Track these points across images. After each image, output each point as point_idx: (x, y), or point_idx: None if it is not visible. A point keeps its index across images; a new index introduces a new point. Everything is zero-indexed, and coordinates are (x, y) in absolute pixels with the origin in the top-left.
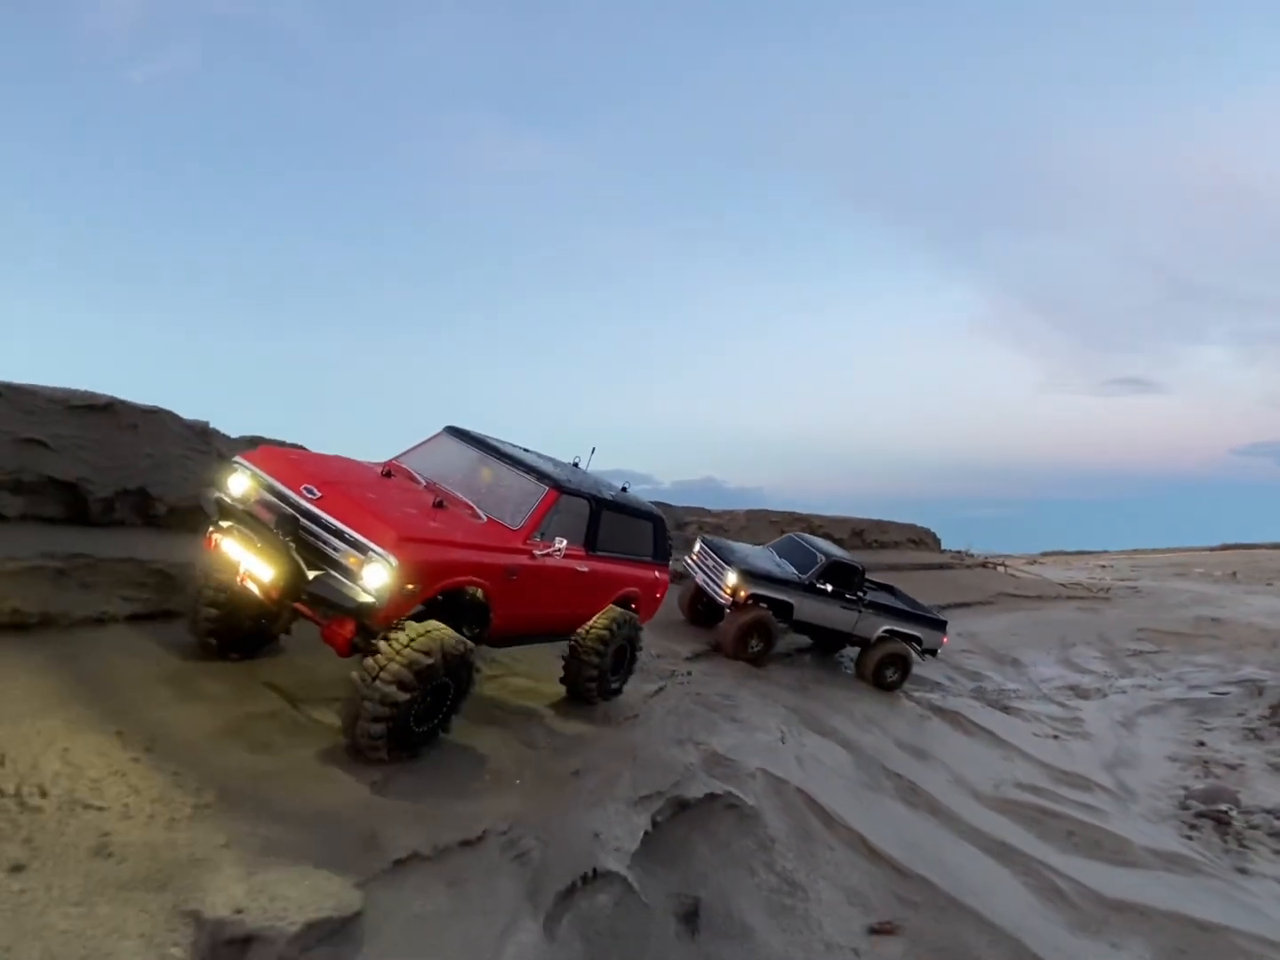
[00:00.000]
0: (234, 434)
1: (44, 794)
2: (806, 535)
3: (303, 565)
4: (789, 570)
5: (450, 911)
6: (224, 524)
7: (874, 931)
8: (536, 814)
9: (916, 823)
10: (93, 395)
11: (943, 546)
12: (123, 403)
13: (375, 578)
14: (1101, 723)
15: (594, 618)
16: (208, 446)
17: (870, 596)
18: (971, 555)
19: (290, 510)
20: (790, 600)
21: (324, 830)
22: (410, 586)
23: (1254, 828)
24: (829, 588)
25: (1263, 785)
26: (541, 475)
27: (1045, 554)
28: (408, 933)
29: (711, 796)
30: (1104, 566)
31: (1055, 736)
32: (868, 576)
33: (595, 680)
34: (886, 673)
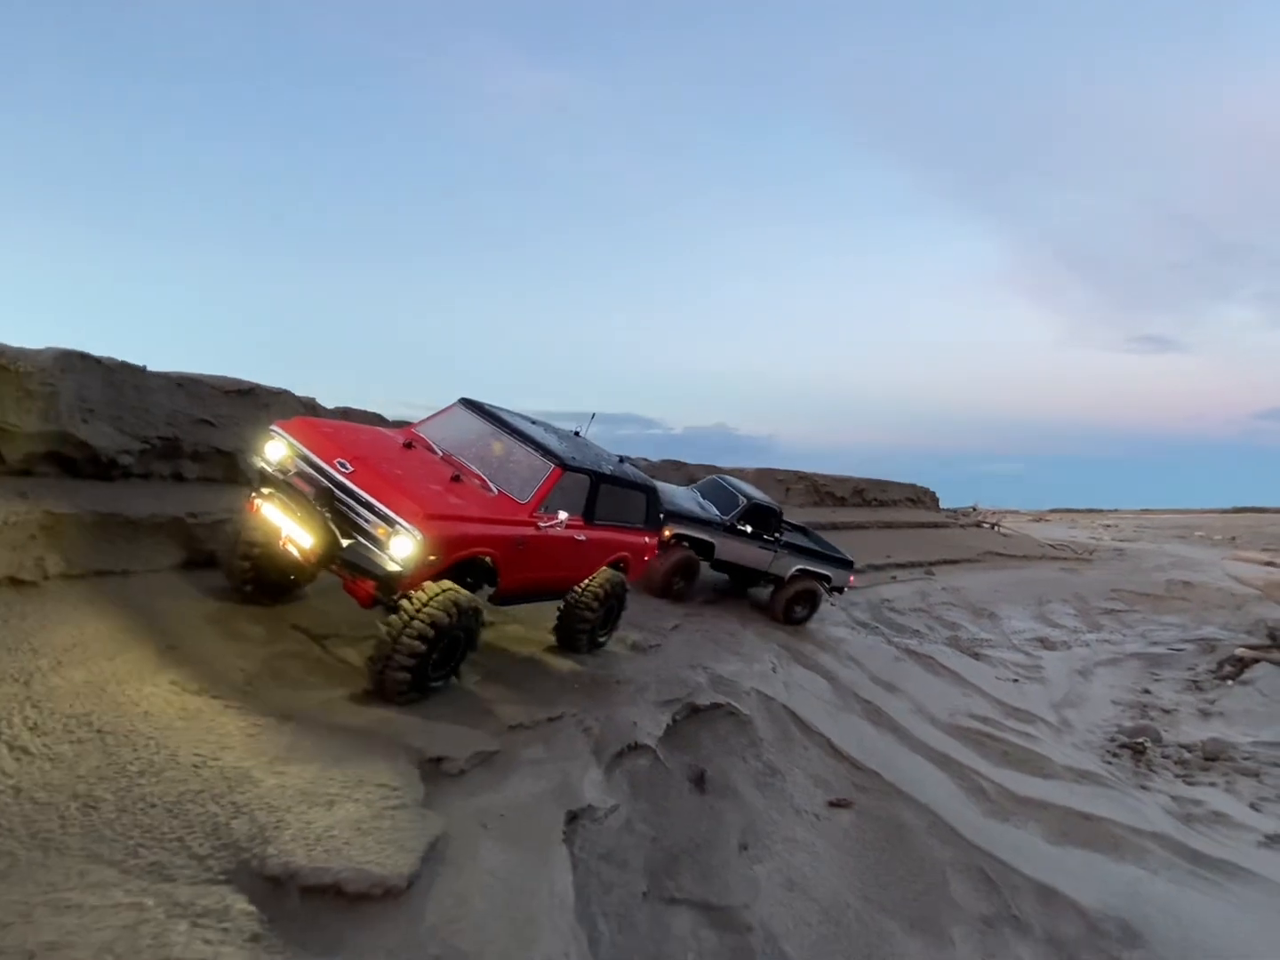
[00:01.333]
0: (330, 405)
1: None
2: (728, 477)
3: (338, 534)
4: (712, 511)
5: (548, 758)
6: (265, 490)
7: (832, 804)
8: (593, 706)
9: (876, 736)
10: (239, 381)
11: (945, 504)
12: (260, 386)
13: (402, 549)
14: (1060, 670)
15: (588, 579)
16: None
17: (785, 537)
18: (975, 511)
19: (326, 483)
20: (712, 540)
21: (464, 710)
22: (432, 557)
23: (1165, 757)
24: (748, 529)
25: (1188, 726)
26: (548, 452)
27: (1054, 510)
28: (525, 767)
29: (715, 705)
30: (1108, 525)
31: (1015, 680)
32: (785, 518)
33: (586, 634)
34: (796, 609)
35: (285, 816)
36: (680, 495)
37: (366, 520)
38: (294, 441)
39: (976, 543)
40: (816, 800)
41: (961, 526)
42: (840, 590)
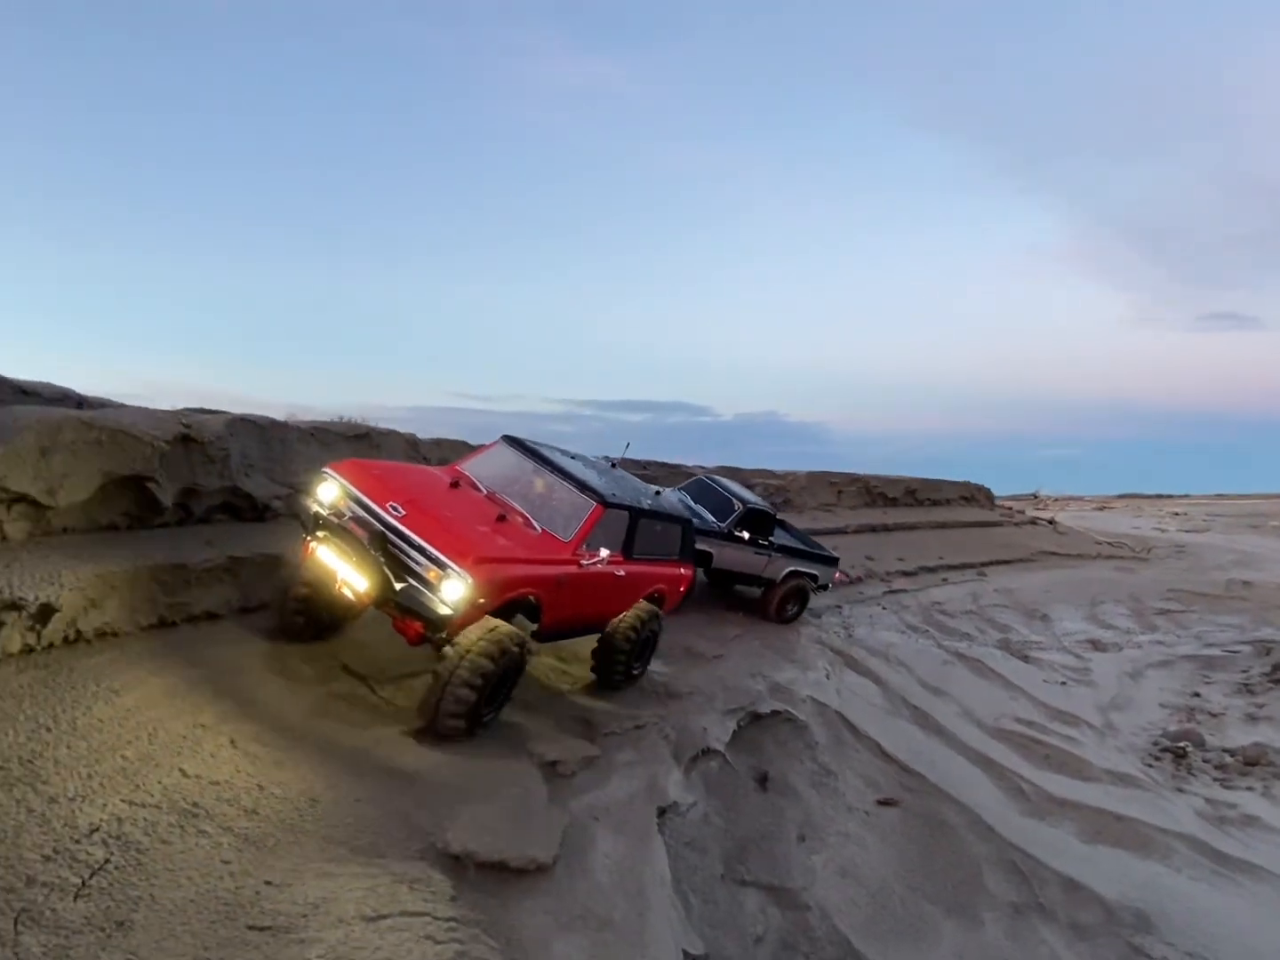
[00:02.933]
0: (425, 436)
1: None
2: (717, 478)
3: (392, 578)
4: (707, 518)
5: (638, 760)
6: (320, 533)
7: (880, 803)
8: (670, 715)
9: (923, 739)
10: (356, 426)
11: (1006, 490)
12: (373, 429)
13: (453, 592)
14: (1109, 673)
15: (625, 613)
16: (415, 453)
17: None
18: (1037, 499)
19: (379, 527)
20: (710, 550)
21: (565, 719)
22: (482, 600)
23: (1206, 761)
24: (746, 535)
25: (1233, 731)
26: (589, 489)
27: (1121, 496)
28: (620, 769)
29: (775, 712)
30: (1177, 514)
31: (1063, 683)
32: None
33: (621, 669)
34: (788, 608)
35: (455, 809)
36: (666, 501)
37: (418, 563)
38: (346, 484)
39: (1031, 542)
40: (866, 799)
41: (1016, 525)
42: (825, 587)
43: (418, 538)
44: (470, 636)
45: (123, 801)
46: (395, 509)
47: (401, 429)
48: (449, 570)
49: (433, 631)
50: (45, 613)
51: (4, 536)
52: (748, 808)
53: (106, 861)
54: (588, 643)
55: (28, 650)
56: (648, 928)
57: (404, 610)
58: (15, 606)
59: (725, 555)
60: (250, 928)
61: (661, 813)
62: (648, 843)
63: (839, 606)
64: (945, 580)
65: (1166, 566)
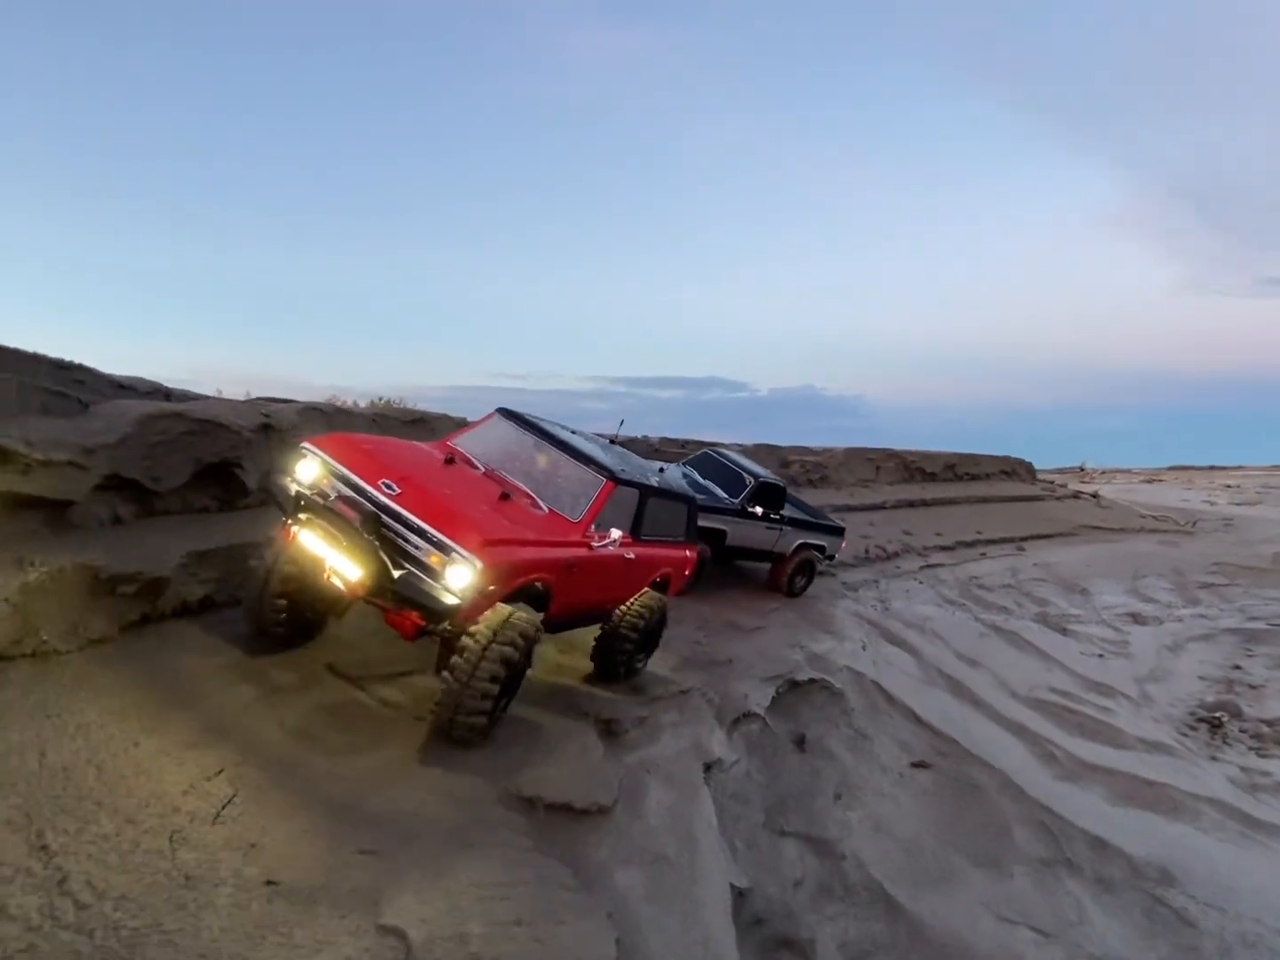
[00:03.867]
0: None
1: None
2: (724, 451)
3: (390, 565)
4: (719, 494)
5: (683, 721)
6: (303, 516)
7: (913, 765)
8: (712, 682)
9: (956, 707)
10: (411, 411)
11: (1051, 464)
12: (428, 414)
13: (459, 579)
14: (1148, 645)
15: (631, 600)
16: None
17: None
18: (1083, 472)
19: (372, 508)
20: (724, 528)
21: (614, 684)
22: (492, 587)
23: (1242, 731)
24: (759, 510)
25: (1273, 702)
26: (598, 465)
27: (1171, 469)
28: (669, 727)
29: (812, 680)
30: (1229, 486)
31: (1100, 655)
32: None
33: (624, 662)
34: (797, 580)
35: (526, 755)
36: (672, 477)
37: (417, 547)
38: (330, 460)
39: (1072, 516)
40: (900, 761)
41: (1057, 499)
42: (832, 558)
43: (417, 519)
44: (488, 627)
45: None
46: (389, 487)
47: (443, 410)
48: (454, 554)
49: (435, 623)
50: (158, 585)
51: (118, 519)
52: (787, 767)
53: None
54: (586, 631)
55: (144, 620)
56: (698, 864)
57: (403, 601)
58: (133, 579)
59: (739, 532)
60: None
61: (707, 768)
62: (695, 793)
63: (876, 581)
64: (984, 555)
65: (1212, 540)
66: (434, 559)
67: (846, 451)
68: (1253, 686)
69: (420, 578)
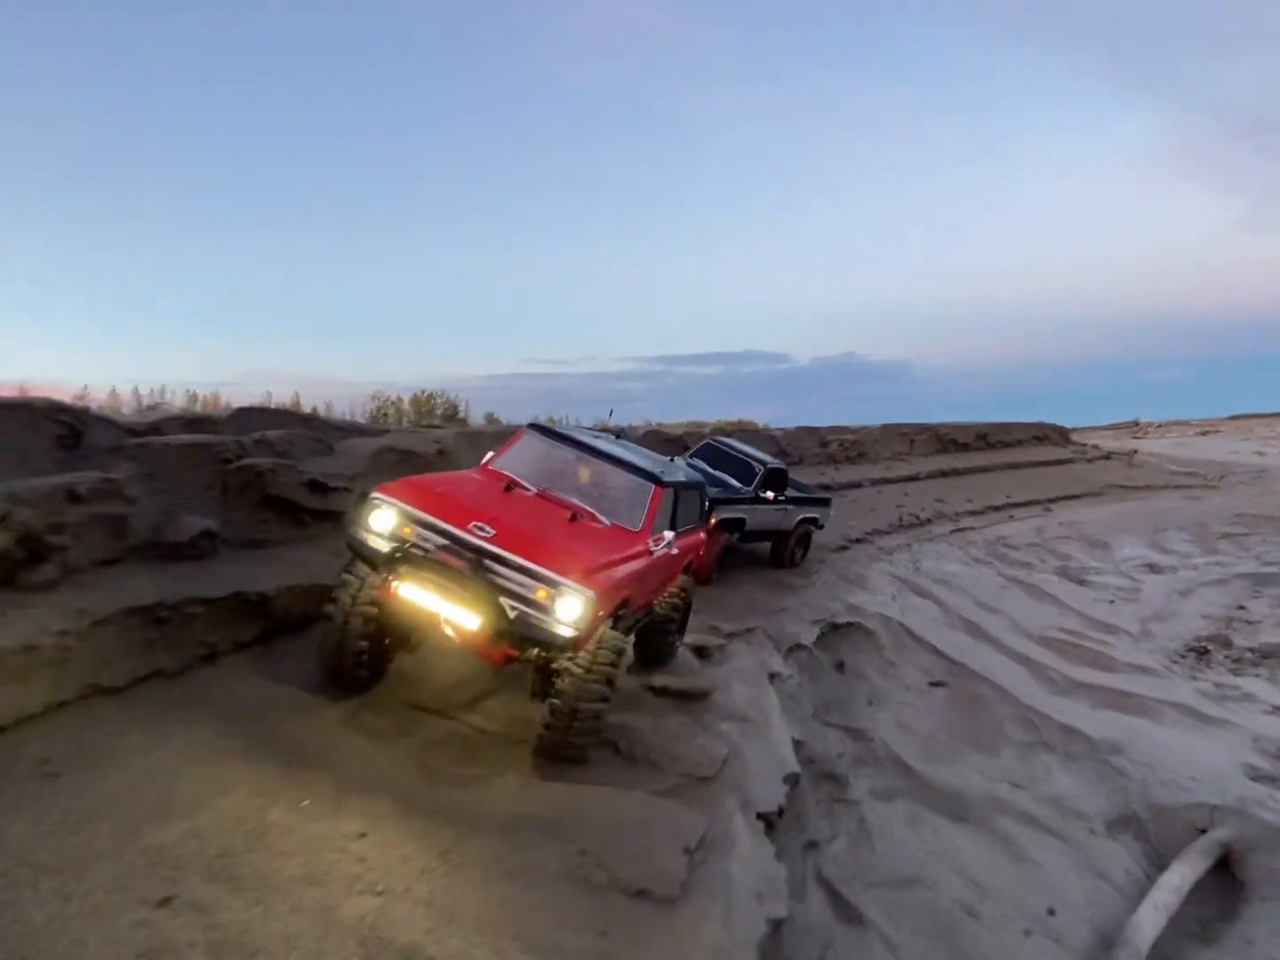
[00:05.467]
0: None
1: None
2: (726, 440)
3: (505, 608)
4: (732, 484)
5: (751, 649)
6: (403, 570)
7: (931, 684)
8: (769, 625)
9: (972, 643)
10: (465, 424)
11: (1105, 420)
12: (480, 429)
13: (572, 610)
14: (1159, 591)
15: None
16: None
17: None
18: (1138, 427)
19: (474, 555)
20: (744, 515)
21: (696, 626)
22: (600, 613)
23: (1226, 657)
24: (770, 495)
25: (1265, 635)
26: (644, 473)
27: (1233, 418)
28: (741, 652)
29: (849, 623)
30: None
31: (1111, 601)
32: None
33: (669, 646)
34: (798, 552)
35: (650, 670)
36: (679, 467)
37: (523, 585)
38: (409, 509)
39: (1100, 476)
40: (920, 681)
41: (1088, 461)
42: (823, 526)
43: (519, 559)
44: (584, 656)
45: None
46: (481, 529)
47: (482, 398)
48: (562, 588)
49: (521, 650)
50: None
51: None
52: (829, 682)
53: None
54: None
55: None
56: (770, 722)
57: (521, 640)
58: None
59: (756, 518)
60: None
61: (771, 677)
62: (764, 688)
63: (909, 545)
64: (1011, 517)
65: (1238, 493)
66: (541, 594)
67: (882, 428)
68: (1249, 622)
69: (535, 615)
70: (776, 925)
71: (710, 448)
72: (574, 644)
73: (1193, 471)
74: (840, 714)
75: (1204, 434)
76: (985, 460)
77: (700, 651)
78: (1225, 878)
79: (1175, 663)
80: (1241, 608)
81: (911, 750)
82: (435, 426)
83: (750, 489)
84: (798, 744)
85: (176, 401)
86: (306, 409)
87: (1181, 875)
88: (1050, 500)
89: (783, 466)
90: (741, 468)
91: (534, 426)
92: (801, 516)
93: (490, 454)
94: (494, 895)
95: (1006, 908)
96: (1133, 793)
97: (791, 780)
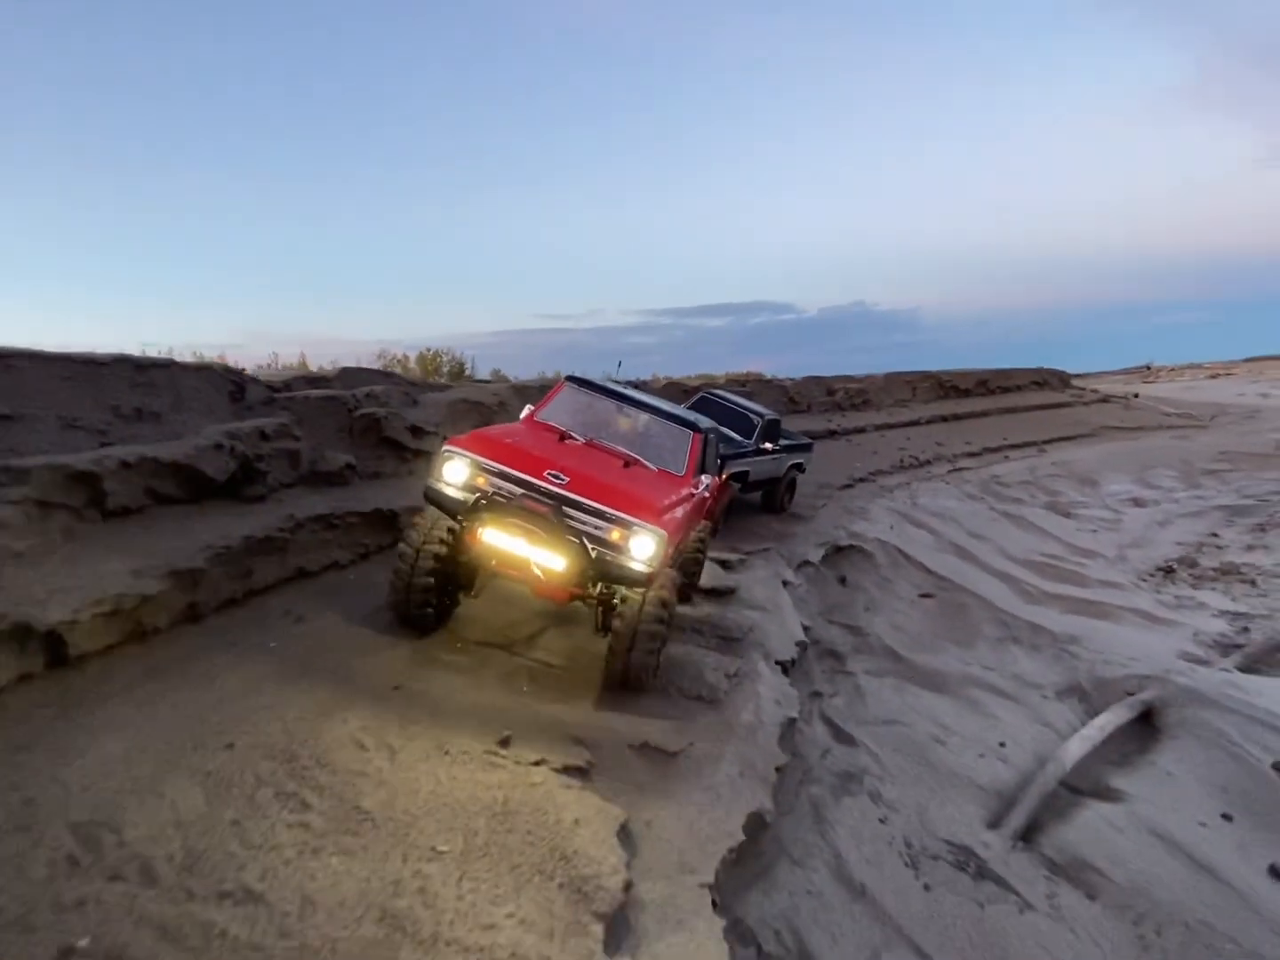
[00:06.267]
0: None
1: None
2: (721, 393)
3: (588, 548)
4: (734, 437)
5: (766, 563)
6: (488, 515)
7: (921, 595)
8: (781, 545)
9: (959, 564)
10: (506, 380)
11: (1118, 365)
12: (526, 382)
13: (645, 548)
14: (1140, 522)
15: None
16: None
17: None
18: (1149, 371)
19: (553, 501)
20: (748, 468)
21: (720, 548)
22: (670, 550)
23: (1190, 575)
24: (768, 445)
25: (1229, 556)
26: (684, 421)
27: (1251, 360)
28: (758, 564)
29: (851, 546)
30: None
31: (1094, 530)
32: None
33: (694, 586)
34: (786, 498)
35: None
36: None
37: (597, 528)
38: (483, 460)
39: (1095, 418)
40: (911, 593)
41: (1085, 404)
42: (805, 471)
43: (595, 503)
44: (637, 591)
45: None
46: (556, 477)
47: (490, 354)
48: (635, 528)
49: (584, 588)
50: None
51: None
52: (832, 591)
53: None
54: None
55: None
56: (784, 612)
57: (604, 577)
58: None
59: (758, 469)
60: None
61: (784, 584)
62: (778, 589)
63: (909, 484)
64: (1007, 458)
65: (1225, 432)
66: (615, 535)
67: (886, 376)
68: (1218, 547)
69: (609, 554)
70: (791, 722)
71: (706, 400)
72: (648, 579)
73: (1186, 413)
74: (841, 615)
75: (1214, 377)
76: (985, 405)
77: (724, 564)
78: (1148, 729)
79: (1143, 581)
80: (1214, 535)
81: (901, 642)
82: (488, 382)
83: (751, 442)
84: (805, 630)
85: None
86: (314, 368)
87: (1107, 720)
88: (1045, 442)
89: (777, 416)
90: (741, 420)
91: (572, 379)
92: (791, 463)
93: (529, 407)
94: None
95: (967, 741)
96: (1081, 671)
97: (801, 646)
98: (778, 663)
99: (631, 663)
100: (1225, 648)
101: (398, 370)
